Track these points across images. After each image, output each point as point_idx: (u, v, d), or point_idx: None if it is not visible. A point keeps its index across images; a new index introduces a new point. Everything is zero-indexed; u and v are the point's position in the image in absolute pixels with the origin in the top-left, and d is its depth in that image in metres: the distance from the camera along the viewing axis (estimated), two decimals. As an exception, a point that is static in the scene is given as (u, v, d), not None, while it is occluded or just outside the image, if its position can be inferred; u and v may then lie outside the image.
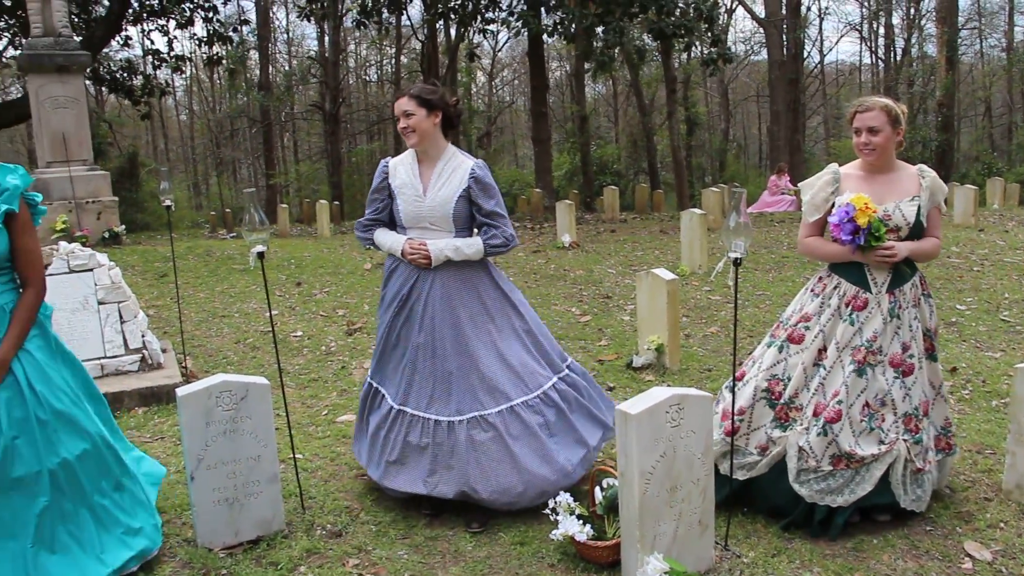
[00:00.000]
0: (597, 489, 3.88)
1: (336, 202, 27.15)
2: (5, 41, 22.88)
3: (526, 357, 4.24)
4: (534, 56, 22.68)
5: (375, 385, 4.37)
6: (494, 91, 45.98)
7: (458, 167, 4.17)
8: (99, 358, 6.34)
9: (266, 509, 4.06)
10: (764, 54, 34.60)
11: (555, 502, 3.86)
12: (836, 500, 3.85)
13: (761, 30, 33.24)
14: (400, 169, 4.24)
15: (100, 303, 6.31)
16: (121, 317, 6.40)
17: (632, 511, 3.37)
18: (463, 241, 4.15)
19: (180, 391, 3.89)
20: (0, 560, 3.33)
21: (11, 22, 21.67)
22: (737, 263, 3.60)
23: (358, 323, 8.55)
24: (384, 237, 4.29)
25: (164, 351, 6.91)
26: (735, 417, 4.05)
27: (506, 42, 41.15)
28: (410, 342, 4.19)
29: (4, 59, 23.30)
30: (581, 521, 3.72)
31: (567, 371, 4.39)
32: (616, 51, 19.17)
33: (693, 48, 24.59)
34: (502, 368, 4.15)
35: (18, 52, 17.81)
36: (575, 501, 3.89)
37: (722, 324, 8.05)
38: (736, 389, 4.11)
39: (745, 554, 3.75)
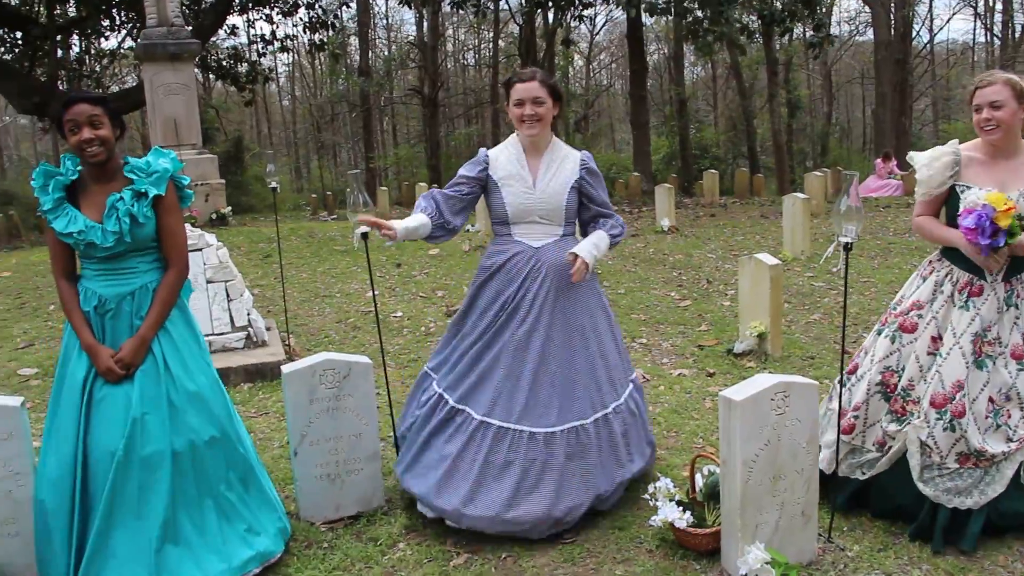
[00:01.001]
0: (698, 475, 3.83)
1: (434, 185, 27.42)
2: (124, 33, 23.83)
3: (616, 358, 4.08)
4: (633, 39, 22.44)
5: (458, 405, 3.89)
6: (591, 74, 45.68)
7: (566, 157, 3.98)
8: (207, 335, 6.54)
9: (366, 486, 4.14)
10: (870, 34, 33.45)
11: (655, 487, 3.82)
12: (965, 502, 3.57)
13: (867, 9, 32.11)
14: (502, 160, 3.94)
15: (209, 282, 6.51)
16: (228, 296, 6.60)
17: (734, 499, 3.31)
18: (596, 238, 3.94)
19: (285, 368, 3.98)
20: (123, 539, 3.38)
21: (130, 15, 22.53)
22: (847, 248, 3.48)
23: (456, 305, 8.62)
24: (411, 222, 3.89)
25: (268, 329, 7.10)
26: (851, 413, 3.86)
27: (603, 25, 40.87)
28: (512, 348, 3.86)
29: (123, 50, 24.30)
30: (681, 508, 3.67)
31: (631, 383, 4.19)
32: (720, 32, 18.74)
33: (794, 31, 23.93)
34: (603, 372, 3.98)
35: (135, 43, 18.54)
36: (675, 487, 3.84)
37: (825, 311, 7.84)
38: (849, 384, 3.92)
39: (849, 548, 3.64)
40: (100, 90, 25.16)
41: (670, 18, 21.55)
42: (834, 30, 23.62)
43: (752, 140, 32.25)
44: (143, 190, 3.44)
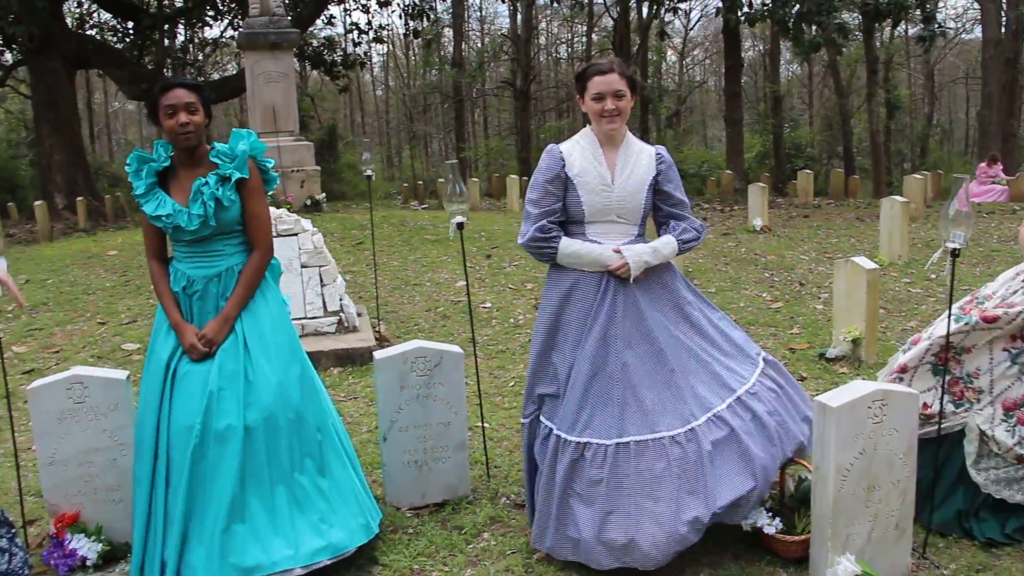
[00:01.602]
0: (789, 481, 3.75)
1: (524, 177, 27.45)
2: (226, 22, 24.52)
3: (730, 342, 3.82)
4: (729, 35, 22.12)
5: (583, 440, 3.51)
6: (684, 70, 45.14)
7: (641, 151, 3.69)
8: (299, 319, 6.70)
9: (453, 474, 4.18)
10: (977, 32, 32.25)
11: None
12: (1015, 496, 3.62)
13: (976, 5, 30.96)
14: (576, 156, 3.62)
15: (303, 266, 6.66)
16: (321, 281, 6.73)
17: (825, 508, 3.24)
18: (659, 242, 3.66)
19: (377, 355, 4.04)
20: (196, 518, 3.44)
21: (233, 5, 23.17)
22: (955, 254, 3.37)
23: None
24: (577, 247, 3.58)
25: (359, 315, 7.23)
26: (896, 374, 3.83)
27: (698, 21, 40.30)
28: (617, 365, 3.54)
29: (224, 39, 25.05)
30: (770, 513, 3.61)
31: (761, 359, 3.92)
32: (820, 32, 18.30)
33: (900, 26, 23.22)
34: (720, 357, 3.70)
35: (237, 32, 19.03)
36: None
37: (923, 319, 7.60)
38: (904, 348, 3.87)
39: (945, 566, 3.52)
40: (202, 78, 25.94)
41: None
42: (942, 25, 22.69)
43: (848, 140, 31.46)
44: (227, 174, 3.53)
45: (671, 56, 42.29)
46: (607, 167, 3.61)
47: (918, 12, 19.08)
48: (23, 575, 3.55)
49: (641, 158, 3.65)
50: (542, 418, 3.69)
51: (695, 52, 45.38)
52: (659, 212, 3.76)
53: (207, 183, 3.50)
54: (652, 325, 3.58)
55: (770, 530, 3.55)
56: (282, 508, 3.50)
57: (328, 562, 3.51)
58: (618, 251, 3.56)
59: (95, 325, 8.19)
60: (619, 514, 3.42)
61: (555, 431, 3.59)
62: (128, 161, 3.60)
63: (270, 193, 12.44)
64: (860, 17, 20.76)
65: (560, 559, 3.56)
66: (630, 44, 26.94)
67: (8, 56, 22.12)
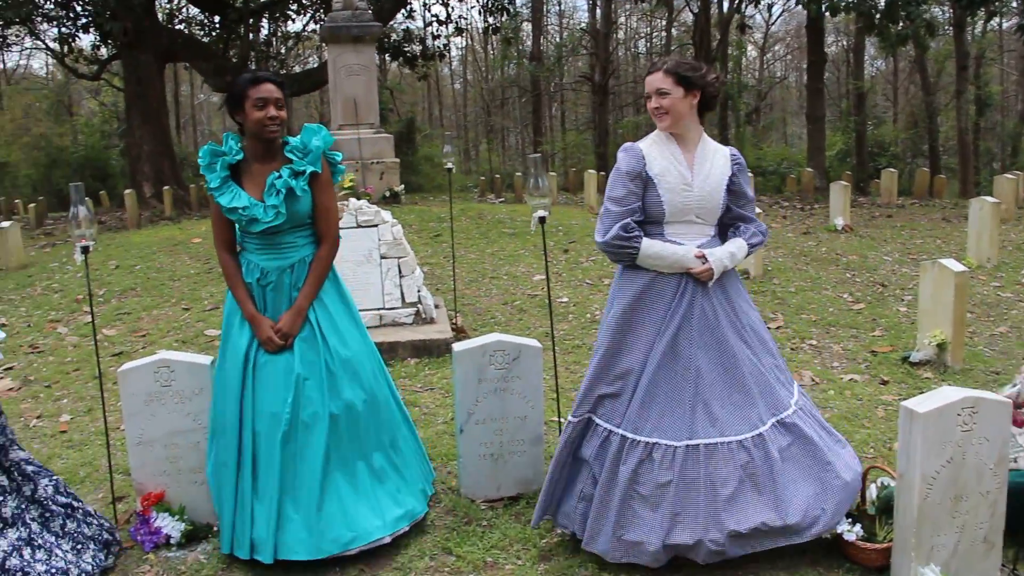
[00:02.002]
0: (872, 487, 3.67)
1: (602, 172, 27.37)
2: (308, 16, 24.96)
3: (777, 352, 3.80)
4: (812, 30, 21.68)
5: (652, 441, 3.49)
6: (765, 65, 44.37)
7: (717, 151, 3.66)
8: (378, 309, 6.78)
9: (527, 468, 4.19)
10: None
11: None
12: None
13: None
14: (655, 154, 3.56)
15: (382, 257, 6.73)
16: (400, 272, 6.81)
17: (909, 517, 3.16)
18: (734, 246, 3.62)
19: (456, 347, 4.07)
20: (290, 500, 3.60)
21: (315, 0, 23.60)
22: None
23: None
24: (659, 248, 3.52)
25: (436, 307, 7.29)
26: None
27: (779, 15, 39.53)
28: (689, 368, 3.51)
29: (306, 32, 25.48)
30: (850, 520, 3.53)
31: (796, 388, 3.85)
32: (907, 24, 17.78)
33: (991, 19, 22.37)
34: (776, 365, 3.71)
35: (319, 25, 19.37)
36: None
37: (1013, 324, 7.36)
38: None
39: (1035, 579, 3.42)
40: (284, 71, 26.44)
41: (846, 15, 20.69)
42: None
43: (934, 138, 30.56)
44: (301, 169, 3.61)
45: (751, 51, 41.63)
46: (687, 166, 3.57)
47: (1015, 3, 18.37)
48: (105, 539, 3.71)
49: (717, 158, 3.63)
50: (598, 420, 3.62)
51: (776, 47, 44.59)
52: (728, 213, 3.70)
53: (280, 176, 3.59)
54: (724, 330, 3.56)
55: (850, 536, 3.48)
56: (366, 484, 3.72)
57: (407, 528, 3.78)
58: (701, 255, 3.53)
59: (180, 311, 8.42)
60: (687, 516, 3.41)
61: (619, 431, 3.55)
62: (200, 155, 3.69)
63: (349, 185, 12.66)
64: (951, 10, 20.08)
65: (612, 561, 3.52)
66: (710, 39, 26.61)
67: (104, 51, 22.87)
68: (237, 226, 3.74)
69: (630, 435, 3.51)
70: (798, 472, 3.49)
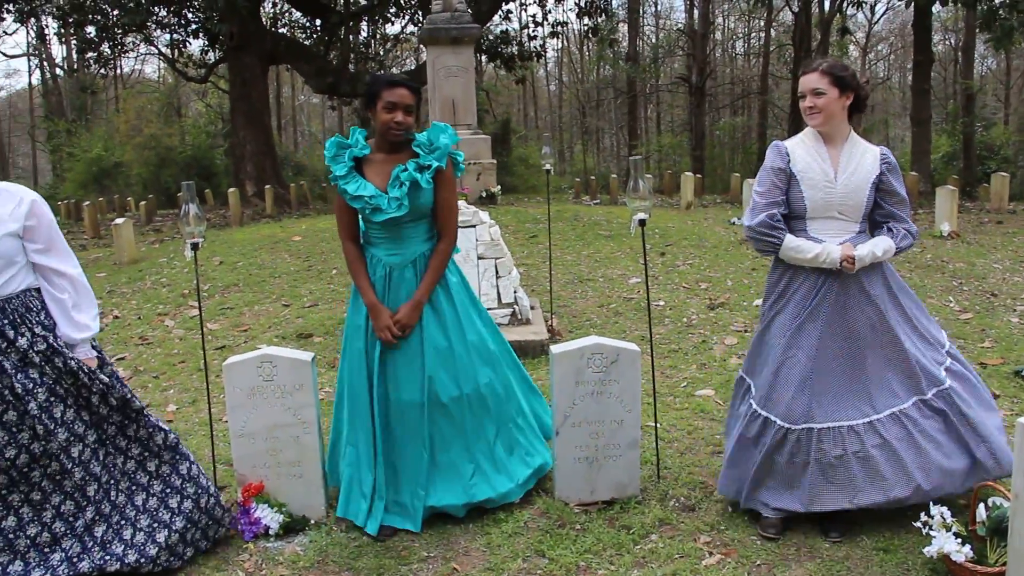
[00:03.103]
0: (980, 507, 3.50)
1: (698, 175, 27.05)
2: (407, 19, 25.34)
3: (923, 343, 3.84)
4: (919, 28, 20.93)
5: (769, 417, 3.81)
6: (867, 66, 43.13)
7: (866, 151, 3.77)
8: (474, 309, 6.80)
9: (623, 473, 4.13)
10: None
11: (929, 515, 3.53)
12: None
13: None
14: (800, 152, 3.75)
15: (479, 258, 6.75)
16: (497, 272, 6.81)
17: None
18: (881, 243, 3.72)
19: (554, 348, 4.04)
20: (439, 474, 3.95)
21: (413, 2, 23.90)
22: None
23: (720, 298, 8.44)
24: (800, 243, 3.71)
25: (532, 308, 7.27)
26: None
27: (883, 14, 38.38)
28: (818, 356, 3.72)
29: (404, 34, 25.88)
30: (959, 540, 3.37)
31: (948, 357, 3.90)
32: (1018, 15, 16.98)
33: None
34: (915, 357, 3.76)
35: (418, 27, 19.67)
36: (952, 516, 3.52)
37: None
38: None
39: None
40: (382, 71, 26.85)
41: (961, 6, 19.91)
42: None
43: (1051, 141, 29.20)
44: (427, 164, 3.75)
45: (853, 51, 40.50)
46: (830, 164, 3.72)
47: None
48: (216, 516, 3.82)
49: (865, 157, 3.74)
50: (751, 398, 3.92)
51: (879, 47, 43.33)
52: (879, 210, 3.81)
53: (406, 169, 3.73)
54: (858, 323, 3.71)
55: (959, 558, 3.31)
56: (500, 454, 4.05)
57: (533, 484, 4.17)
58: (850, 257, 3.66)
59: (280, 307, 8.61)
60: (799, 492, 3.74)
61: (754, 402, 3.87)
62: (327, 146, 3.84)
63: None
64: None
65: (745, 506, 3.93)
66: (810, 39, 25.98)
67: (211, 55, 23.69)
68: (360, 218, 3.90)
69: (762, 411, 3.84)
70: (906, 461, 3.67)
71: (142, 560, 3.45)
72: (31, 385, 3.31)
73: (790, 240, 3.71)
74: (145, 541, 3.49)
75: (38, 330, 3.35)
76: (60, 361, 3.36)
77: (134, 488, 3.58)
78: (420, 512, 3.92)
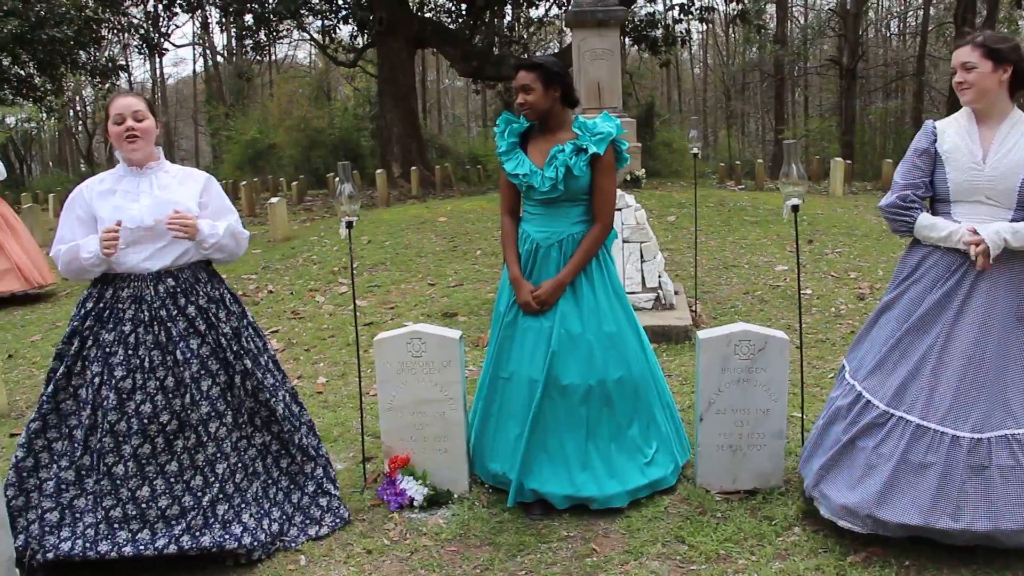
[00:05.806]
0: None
1: (848, 161, 26.06)
2: (551, 2, 25.41)
3: None
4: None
5: (873, 400, 3.54)
6: (1043, 43, 40.41)
7: None
8: (616, 293, 6.79)
9: (767, 462, 4.07)
10: None
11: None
12: None
13: None
14: (950, 131, 3.48)
15: (625, 241, 6.74)
16: (642, 256, 6.78)
17: None
18: (1020, 227, 3.34)
19: (701, 334, 4.01)
20: (547, 459, 3.93)
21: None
22: None
23: (870, 288, 8.15)
24: (932, 221, 3.46)
25: (676, 293, 7.21)
26: None
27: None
28: (938, 347, 3.41)
29: (548, 18, 25.94)
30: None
31: None
32: None
33: None
34: None
35: (561, 11, 19.67)
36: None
37: None
38: None
39: None
40: (526, 55, 26.99)
41: None
42: None
43: None
44: (584, 146, 3.79)
45: (1027, 28, 38.04)
46: (979, 145, 3.42)
47: None
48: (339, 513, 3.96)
49: None
50: (847, 374, 3.70)
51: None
52: None
53: (563, 150, 3.80)
54: (989, 322, 3.37)
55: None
56: (615, 456, 3.95)
57: (646, 494, 4.01)
58: (973, 230, 3.35)
59: (425, 285, 8.82)
60: (871, 484, 3.40)
61: (853, 380, 3.63)
62: (497, 122, 3.99)
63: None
64: None
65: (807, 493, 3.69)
66: (974, 16, 24.52)
67: (360, 40, 24.40)
68: (520, 193, 4.01)
69: (866, 394, 3.57)
70: (1008, 494, 3.26)
71: (255, 544, 3.56)
72: (189, 355, 3.52)
73: (924, 218, 3.50)
74: (257, 527, 3.60)
75: (203, 302, 3.59)
76: (214, 337, 3.59)
77: (261, 476, 3.73)
78: (513, 488, 3.93)
